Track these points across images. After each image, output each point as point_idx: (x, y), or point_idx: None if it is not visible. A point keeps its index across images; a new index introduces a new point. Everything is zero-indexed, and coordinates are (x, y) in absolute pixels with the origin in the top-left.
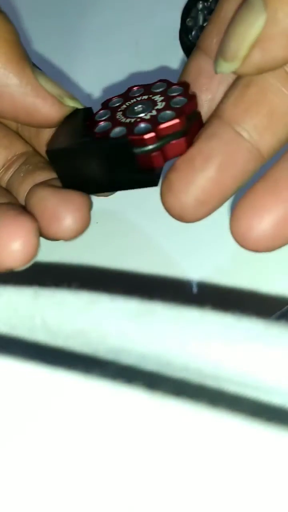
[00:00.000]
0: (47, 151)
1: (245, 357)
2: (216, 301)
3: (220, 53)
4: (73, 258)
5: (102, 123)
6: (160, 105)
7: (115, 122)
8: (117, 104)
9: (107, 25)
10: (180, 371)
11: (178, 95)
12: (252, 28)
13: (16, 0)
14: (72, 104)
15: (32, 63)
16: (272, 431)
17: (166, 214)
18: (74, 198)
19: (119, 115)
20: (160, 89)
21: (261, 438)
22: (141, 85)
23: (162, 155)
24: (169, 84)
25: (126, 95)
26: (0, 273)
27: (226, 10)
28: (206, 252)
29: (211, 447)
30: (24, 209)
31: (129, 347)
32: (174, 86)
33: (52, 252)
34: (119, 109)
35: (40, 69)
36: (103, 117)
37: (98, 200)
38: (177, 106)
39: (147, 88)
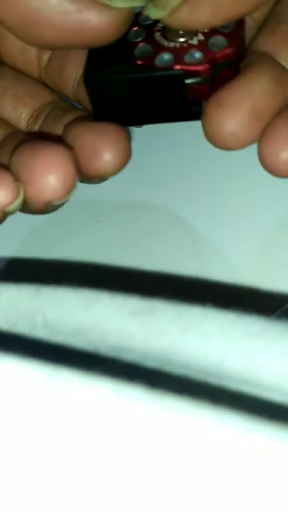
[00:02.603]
0: (84, 77)
1: (247, 354)
2: (217, 298)
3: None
4: (74, 256)
5: (141, 46)
6: (205, 30)
7: (157, 47)
8: (150, 22)
9: None
10: (181, 369)
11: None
12: None
13: None
14: (125, 4)
15: None
16: (273, 429)
17: (166, 213)
18: (112, 131)
19: (158, 36)
20: None
21: (262, 435)
22: None
23: (213, 86)
24: None
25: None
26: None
27: None
28: (207, 249)
29: (212, 445)
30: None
31: (130, 344)
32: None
33: (53, 250)
34: (156, 29)
35: None
36: (138, 37)
37: (98, 200)
38: (226, 30)
39: None
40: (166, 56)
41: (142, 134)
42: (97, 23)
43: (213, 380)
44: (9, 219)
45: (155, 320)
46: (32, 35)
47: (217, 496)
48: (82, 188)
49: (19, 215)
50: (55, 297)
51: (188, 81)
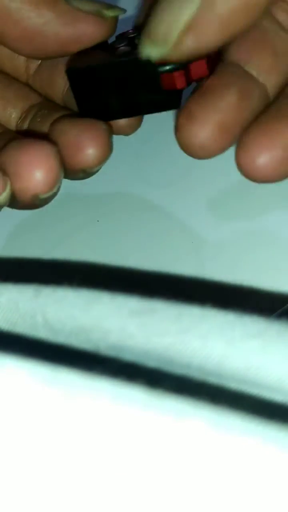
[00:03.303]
0: (67, 70)
1: (247, 354)
2: (217, 298)
3: (147, 34)
4: (74, 256)
5: (122, 48)
6: None
7: (136, 46)
8: (134, 35)
9: None
10: (181, 368)
11: None
12: (183, 12)
13: None
14: (112, 13)
15: None
16: (273, 429)
17: (166, 213)
18: (94, 126)
19: (137, 40)
20: None
21: (262, 435)
22: None
23: (185, 76)
24: None
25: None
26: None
27: None
28: (207, 249)
29: (212, 445)
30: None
31: (130, 344)
32: None
33: (53, 249)
34: (136, 37)
35: None
36: (122, 43)
37: (98, 200)
38: None
39: None
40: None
41: (143, 134)
42: (92, 31)
43: (213, 380)
44: (8, 220)
45: (155, 320)
46: (35, 49)
47: (216, 497)
48: (81, 188)
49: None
50: (55, 297)
51: (161, 68)
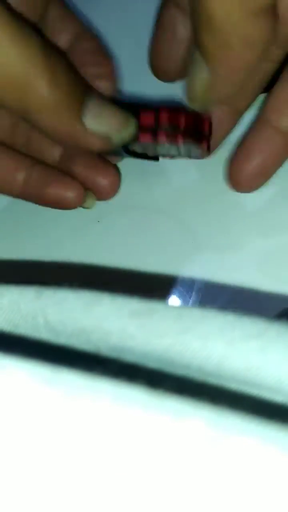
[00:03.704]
0: None
1: (247, 355)
2: (216, 299)
3: (187, 95)
4: (75, 257)
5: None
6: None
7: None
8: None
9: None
10: (181, 369)
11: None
12: (201, 78)
13: None
14: (125, 133)
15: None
16: (273, 429)
17: (166, 214)
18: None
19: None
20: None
21: (262, 436)
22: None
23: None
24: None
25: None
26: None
27: None
28: (207, 251)
29: (212, 445)
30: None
31: (130, 345)
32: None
33: (54, 252)
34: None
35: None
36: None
37: (98, 201)
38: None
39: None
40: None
41: None
42: (95, 147)
43: (213, 380)
44: (10, 223)
45: (155, 321)
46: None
47: (216, 497)
48: None
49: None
50: (56, 299)
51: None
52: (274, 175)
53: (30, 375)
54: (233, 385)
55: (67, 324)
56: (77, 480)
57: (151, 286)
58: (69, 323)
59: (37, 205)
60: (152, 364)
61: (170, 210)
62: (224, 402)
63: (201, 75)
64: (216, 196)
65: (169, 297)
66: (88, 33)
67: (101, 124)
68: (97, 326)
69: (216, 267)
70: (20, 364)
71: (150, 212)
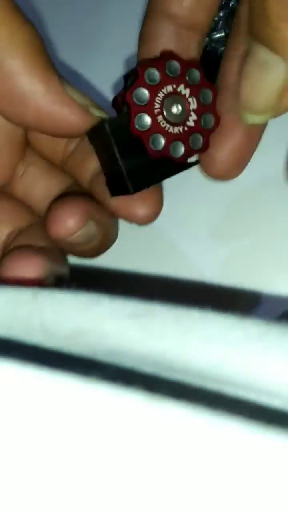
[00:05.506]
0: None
1: (246, 358)
2: (216, 301)
3: (249, 109)
4: (72, 259)
5: (153, 137)
6: (192, 104)
7: (166, 135)
8: (147, 98)
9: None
10: (179, 373)
11: (202, 85)
12: (276, 80)
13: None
14: (98, 113)
15: (58, 72)
16: (272, 434)
17: (166, 216)
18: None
19: (160, 120)
20: (178, 74)
21: (261, 441)
22: (149, 63)
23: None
24: (180, 62)
25: (146, 83)
26: None
27: None
28: (206, 252)
29: (210, 450)
30: None
31: (128, 348)
32: (189, 69)
33: None
34: (155, 109)
35: (65, 78)
36: (145, 126)
37: None
38: (207, 103)
39: (163, 73)
40: (178, 146)
41: None
42: (74, 120)
43: (211, 384)
44: None
45: (154, 323)
46: (13, 112)
47: (215, 500)
48: None
49: None
50: (52, 300)
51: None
52: None
53: (26, 380)
54: (232, 389)
55: (63, 326)
56: (77, 483)
57: (150, 288)
58: (65, 325)
59: None
60: (149, 367)
61: (169, 210)
62: (223, 407)
63: (274, 75)
64: (215, 197)
65: (167, 299)
66: None
67: (80, 96)
68: (94, 328)
69: (215, 267)
70: (16, 368)
71: None
